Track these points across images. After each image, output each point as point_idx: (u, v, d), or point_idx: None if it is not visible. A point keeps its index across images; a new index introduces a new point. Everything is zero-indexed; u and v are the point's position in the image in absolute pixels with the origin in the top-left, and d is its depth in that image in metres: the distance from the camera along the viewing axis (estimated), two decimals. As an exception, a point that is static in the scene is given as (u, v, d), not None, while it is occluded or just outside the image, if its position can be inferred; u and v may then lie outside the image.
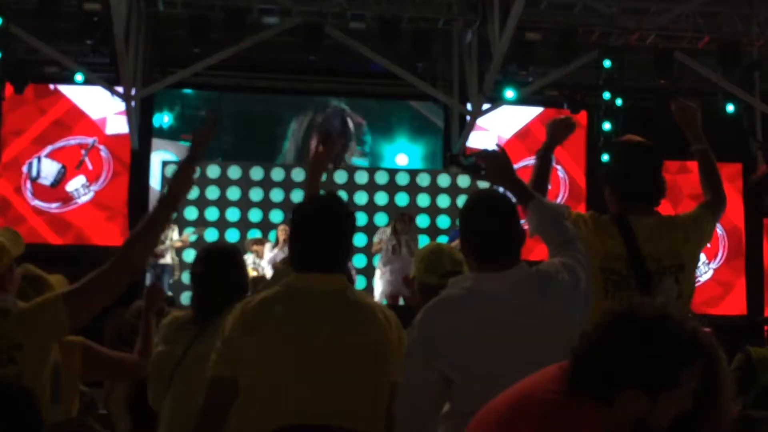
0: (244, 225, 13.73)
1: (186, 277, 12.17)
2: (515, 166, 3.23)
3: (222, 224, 13.71)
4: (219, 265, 3.57)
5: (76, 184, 14.99)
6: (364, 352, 2.70)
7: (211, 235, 13.57)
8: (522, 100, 14.60)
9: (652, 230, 3.50)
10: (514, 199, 3.08)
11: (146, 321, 3.97)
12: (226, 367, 2.67)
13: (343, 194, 13.87)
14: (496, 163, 3.17)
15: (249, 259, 12.38)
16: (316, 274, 2.78)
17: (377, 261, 12.81)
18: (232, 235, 13.60)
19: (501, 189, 3.17)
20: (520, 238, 2.92)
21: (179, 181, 3.28)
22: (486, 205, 2.94)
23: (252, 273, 11.95)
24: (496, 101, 14.44)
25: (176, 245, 12.63)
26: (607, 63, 14.43)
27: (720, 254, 16.04)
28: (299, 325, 2.69)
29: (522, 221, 2.99)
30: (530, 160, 13.25)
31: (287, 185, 13.95)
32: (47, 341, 3.12)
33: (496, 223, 2.89)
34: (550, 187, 3.80)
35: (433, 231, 13.92)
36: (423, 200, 14.19)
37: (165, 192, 3.31)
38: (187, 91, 15.74)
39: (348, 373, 2.66)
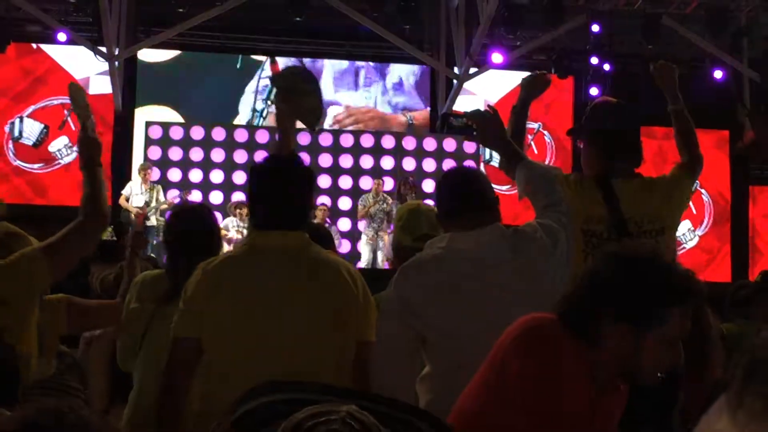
0: (228, 187, 13.63)
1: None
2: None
3: (206, 186, 13.63)
4: (189, 222, 3.58)
5: (58, 144, 14.86)
6: (327, 309, 2.66)
7: (195, 197, 13.48)
8: (509, 65, 14.51)
9: (635, 193, 3.49)
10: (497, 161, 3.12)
11: (130, 262, 4.02)
12: (189, 327, 2.65)
13: (328, 157, 13.87)
14: (487, 124, 3.16)
15: (233, 222, 12.34)
16: (278, 232, 2.74)
17: (363, 226, 12.78)
18: (216, 197, 13.52)
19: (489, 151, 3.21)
20: (494, 200, 2.98)
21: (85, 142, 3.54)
22: (461, 171, 3.16)
23: (237, 236, 11.93)
24: (483, 65, 14.36)
25: (162, 207, 12.55)
26: (595, 28, 14.35)
27: (706, 221, 16.07)
28: (261, 283, 2.66)
29: (497, 186, 3.04)
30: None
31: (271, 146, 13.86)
32: (31, 295, 3.07)
33: (468, 186, 2.98)
34: (528, 144, 3.79)
35: (419, 195, 13.85)
36: (408, 164, 14.13)
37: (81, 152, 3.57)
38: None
39: (311, 331, 2.63)
